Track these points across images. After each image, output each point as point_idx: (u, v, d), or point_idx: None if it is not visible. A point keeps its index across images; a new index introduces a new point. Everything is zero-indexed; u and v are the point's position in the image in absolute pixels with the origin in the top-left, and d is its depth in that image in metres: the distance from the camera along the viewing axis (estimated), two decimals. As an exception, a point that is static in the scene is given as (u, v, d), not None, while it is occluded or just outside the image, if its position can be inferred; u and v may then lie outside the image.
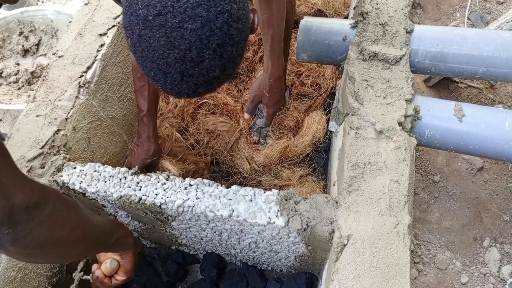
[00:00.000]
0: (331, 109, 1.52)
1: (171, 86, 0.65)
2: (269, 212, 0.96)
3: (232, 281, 1.25)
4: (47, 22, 1.96)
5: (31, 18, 1.96)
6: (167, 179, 1.05)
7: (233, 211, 0.97)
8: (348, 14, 1.84)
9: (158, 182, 1.04)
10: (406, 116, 1.05)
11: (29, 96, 1.80)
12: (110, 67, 1.34)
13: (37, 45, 1.98)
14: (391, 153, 0.99)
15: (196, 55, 0.61)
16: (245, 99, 1.65)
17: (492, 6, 2.11)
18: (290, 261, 1.17)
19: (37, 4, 2.33)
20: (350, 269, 0.86)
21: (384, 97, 1.09)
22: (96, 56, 1.29)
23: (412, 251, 0.93)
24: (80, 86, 1.23)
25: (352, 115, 1.07)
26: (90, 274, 0.97)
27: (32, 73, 1.87)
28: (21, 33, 1.96)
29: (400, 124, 1.04)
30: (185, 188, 1.03)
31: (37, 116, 1.18)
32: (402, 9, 1.25)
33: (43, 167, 1.09)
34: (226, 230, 1.06)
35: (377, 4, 1.25)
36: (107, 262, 0.97)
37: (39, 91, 1.24)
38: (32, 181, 0.68)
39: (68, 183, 1.06)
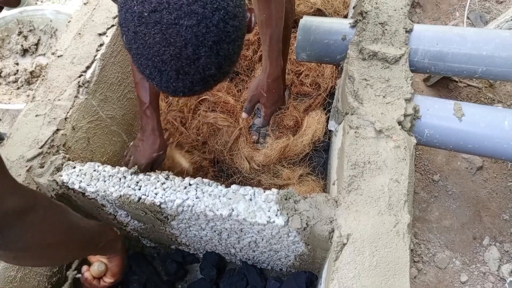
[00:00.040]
0: (330, 109, 1.52)
1: (167, 84, 0.64)
2: (268, 211, 0.96)
3: (232, 280, 1.25)
4: (46, 22, 1.96)
5: (30, 18, 1.96)
6: (166, 179, 1.05)
7: (233, 210, 0.97)
8: (347, 14, 1.84)
9: (158, 181, 1.04)
10: (405, 115, 1.05)
11: (28, 95, 1.80)
12: (109, 67, 1.34)
13: (36, 44, 1.98)
14: (390, 152, 0.99)
15: (192, 52, 0.60)
16: (244, 98, 1.65)
17: (492, 6, 2.11)
18: (289, 260, 1.17)
19: (36, 3, 2.33)
20: (350, 268, 0.86)
21: (384, 96, 1.08)
22: (95, 56, 1.29)
23: (411, 250, 0.93)
24: (79, 86, 1.23)
25: (352, 114, 1.07)
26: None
27: (31, 72, 1.87)
28: (20, 33, 1.95)
29: (399, 123, 1.04)
30: (185, 188, 1.03)
31: (36, 115, 1.18)
32: (401, 8, 1.25)
33: (43, 167, 1.09)
34: (226, 229, 1.06)
35: (376, 4, 1.25)
36: (95, 265, 1.01)
37: (38, 91, 1.23)
38: (23, 187, 0.68)
39: (67, 182, 1.06)
